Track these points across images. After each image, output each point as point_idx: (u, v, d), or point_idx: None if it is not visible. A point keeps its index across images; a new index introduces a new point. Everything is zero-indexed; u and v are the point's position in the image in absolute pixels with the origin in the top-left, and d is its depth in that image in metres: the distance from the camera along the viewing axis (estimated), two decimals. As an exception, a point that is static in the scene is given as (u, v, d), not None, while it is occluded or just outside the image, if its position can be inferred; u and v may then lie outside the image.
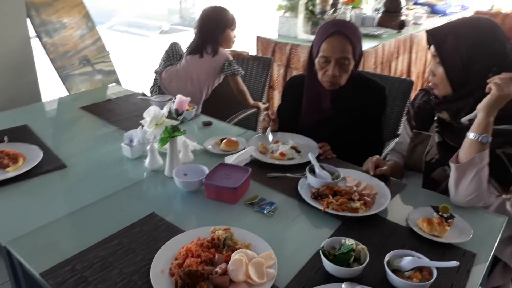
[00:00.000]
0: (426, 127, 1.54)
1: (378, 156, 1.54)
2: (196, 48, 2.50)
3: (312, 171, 1.43)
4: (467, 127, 1.31)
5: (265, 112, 1.77)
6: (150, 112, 1.38)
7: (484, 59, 1.29)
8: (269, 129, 1.71)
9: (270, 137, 1.70)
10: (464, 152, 1.27)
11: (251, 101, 2.62)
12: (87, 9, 2.78)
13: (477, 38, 1.29)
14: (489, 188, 1.30)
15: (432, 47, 1.37)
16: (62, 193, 1.41)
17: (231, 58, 2.51)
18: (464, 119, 1.33)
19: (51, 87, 2.80)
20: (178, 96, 1.47)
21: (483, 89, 1.24)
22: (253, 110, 2.58)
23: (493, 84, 1.20)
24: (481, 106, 1.24)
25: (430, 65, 1.40)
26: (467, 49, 1.29)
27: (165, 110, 1.42)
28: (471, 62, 1.30)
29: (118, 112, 2.08)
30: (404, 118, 1.71)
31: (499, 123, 1.27)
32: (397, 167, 1.59)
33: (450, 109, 1.39)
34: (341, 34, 1.61)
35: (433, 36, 1.36)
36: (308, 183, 1.41)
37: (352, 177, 1.44)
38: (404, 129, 1.68)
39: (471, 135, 1.26)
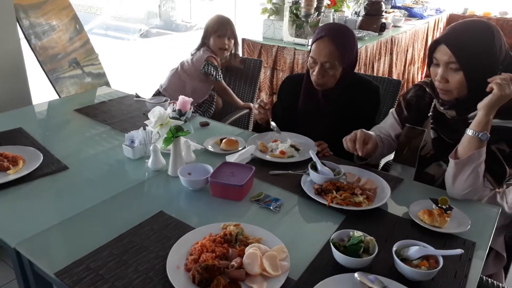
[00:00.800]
0: (419, 122, 1.59)
1: (362, 130, 1.51)
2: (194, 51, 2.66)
3: (314, 168, 1.47)
4: (463, 124, 1.37)
5: (257, 105, 1.78)
6: (155, 113, 1.39)
7: (498, 59, 1.34)
8: (271, 122, 1.75)
9: (276, 127, 1.75)
10: (463, 148, 1.33)
11: (240, 102, 2.67)
12: (75, 12, 2.76)
13: (491, 39, 1.33)
14: (484, 182, 1.37)
15: (444, 55, 1.36)
16: (66, 195, 1.41)
17: (211, 61, 2.54)
18: (472, 115, 1.37)
19: (38, 90, 2.76)
20: (181, 97, 1.49)
21: None
22: (246, 111, 2.61)
23: (495, 84, 1.25)
24: (481, 105, 1.29)
25: (440, 72, 1.38)
26: (485, 51, 1.32)
27: (169, 111, 1.43)
28: (488, 63, 1.33)
29: (114, 114, 2.08)
30: (393, 109, 1.72)
31: (494, 118, 1.32)
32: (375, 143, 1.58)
33: (460, 108, 1.42)
34: (329, 39, 1.65)
35: (451, 43, 1.34)
36: (310, 179, 1.45)
37: (352, 173, 1.49)
38: (390, 116, 1.70)
39: (470, 132, 1.31)
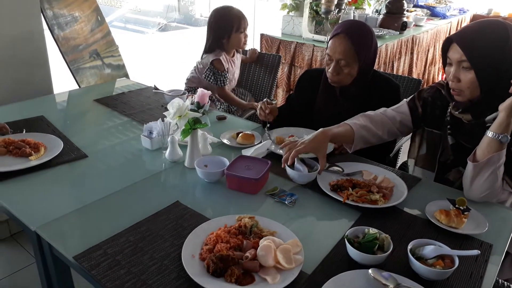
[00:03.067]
0: (436, 126, 1.55)
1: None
2: (204, 50, 2.56)
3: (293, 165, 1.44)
4: (480, 128, 1.35)
5: (260, 105, 1.78)
6: (174, 104, 1.41)
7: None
8: (266, 132, 1.73)
9: (267, 139, 1.70)
10: (482, 150, 1.30)
11: (243, 103, 2.60)
12: (97, 3, 2.80)
13: (505, 39, 1.29)
14: (503, 185, 1.34)
15: (455, 53, 1.33)
16: (85, 182, 1.44)
17: (215, 66, 2.44)
18: (489, 118, 1.35)
19: (59, 80, 2.81)
20: (200, 90, 1.50)
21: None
22: (251, 112, 2.58)
23: None
24: (503, 107, 1.25)
25: (453, 71, 1.35)
26: (498, 51, 1.29)
27: (188, 103, 1.44)
28: (501, 64, 1.29)
29: (132, 105, 2.11)
30: (408, 99, 1.63)
31: None
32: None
33: (475, 111, 1.39)
34: (345, 36, 1.64)
35: (462, 41, 1.32)
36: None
37: (368, 171, 1.48)
38: (404, 105, 1.61)
39: (490, 134, 1.28)
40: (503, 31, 1.30)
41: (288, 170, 1.41)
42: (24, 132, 1.70)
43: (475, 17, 5.89)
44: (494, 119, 1.31)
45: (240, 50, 2.69)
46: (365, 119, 1.58)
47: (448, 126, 1.50)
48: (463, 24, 5.66)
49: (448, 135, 1.50)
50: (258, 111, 1.81)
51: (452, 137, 1.49)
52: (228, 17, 2.42)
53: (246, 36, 2.51)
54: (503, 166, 1.31)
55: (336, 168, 1.50)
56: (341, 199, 1.31)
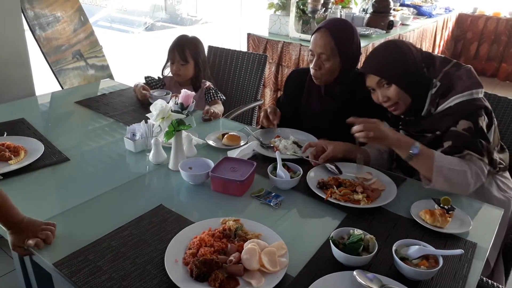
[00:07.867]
0: (394, 124, 1.65)
1: (320, 141, 1.60)
2: None
3: (275, 170, 1.44)
4: (425, 120, 1.51)
5: (269, 110, 1.77)
6: (157, 106, 1.39)
7: (417, 63, 1.47)
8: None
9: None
10: (422, 171, 1.40)
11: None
12: (80, 3, 2.76)
13: (400, 52, 1.46)
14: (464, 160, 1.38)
15: (371, 81, 1.50)
16: (67, 186, 1.41)
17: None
18: (425, 112, 1.50)
19: (41, 81, 2.76)
20: (183, 91, 1.48)
21: (429, 82, 1.48)
22: (249, 106, 2.59)
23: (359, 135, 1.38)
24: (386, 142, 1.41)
25: (378, 95, 1.51)
26: (400, 61, 1.45)
27: (171, 104, 1.42)
28: (408, 68, 1.45)
29: (115, 106, 2.08)
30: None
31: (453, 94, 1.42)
32: (351, 149, 1.60)
33: (414, 112, 1.52)
34: (325, 30, 1.66)
35: (371, 69, 1.50)
36: (314, 175, 1.44)
37: (364, 172, 1.49)
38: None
39: (405, 158, 1.37)
40: (395, 46, 1.50)
41: (271, 177, 1.41)
42: (4, 135, 1.66)
43: (460, 16, 5.95)
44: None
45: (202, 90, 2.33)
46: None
47: (400, 123, 1.62)
48: (449, 23, 5.72)
49: (400, 129, 1.60)
50: (263, 120, 1.78)
51: (404, 131, 1.59)
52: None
53: (173, 69, 2.24)
54: (446, 159, 1.36)
55: (332, 167, 1.49)
56: (325, 196, 1.31)
